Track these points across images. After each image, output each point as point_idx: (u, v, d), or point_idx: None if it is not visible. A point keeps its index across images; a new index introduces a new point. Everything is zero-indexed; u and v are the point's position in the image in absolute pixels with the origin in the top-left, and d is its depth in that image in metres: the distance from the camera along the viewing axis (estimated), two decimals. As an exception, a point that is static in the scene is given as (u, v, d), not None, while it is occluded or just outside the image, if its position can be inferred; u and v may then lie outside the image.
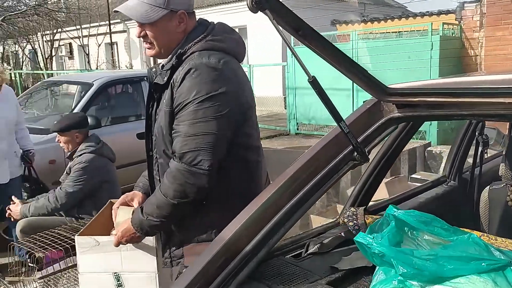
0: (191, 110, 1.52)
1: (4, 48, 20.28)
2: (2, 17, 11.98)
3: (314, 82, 1.18)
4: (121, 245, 1.75)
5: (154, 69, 1.73)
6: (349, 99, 8.80)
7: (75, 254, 2.66)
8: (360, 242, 1.11)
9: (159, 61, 1.79)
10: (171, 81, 1.59)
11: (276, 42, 13.83)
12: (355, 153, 1.32)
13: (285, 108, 11.35)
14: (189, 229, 1.69)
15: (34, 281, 2.73)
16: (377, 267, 1.24)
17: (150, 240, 1.89)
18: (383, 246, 1.06)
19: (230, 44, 1.68)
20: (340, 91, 8.72)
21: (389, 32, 9.77)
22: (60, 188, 3.40)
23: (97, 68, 17.50)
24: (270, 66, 11.69)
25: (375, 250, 1.08)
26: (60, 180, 3.59)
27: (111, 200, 2.12)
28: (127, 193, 1.89)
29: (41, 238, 2.83)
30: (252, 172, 1.73)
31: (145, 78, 5.68)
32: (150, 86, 1.73)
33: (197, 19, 1.71)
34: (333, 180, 1.34)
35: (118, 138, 4.71)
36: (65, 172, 3.57)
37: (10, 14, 12.53)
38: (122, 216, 1.80)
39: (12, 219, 3.44)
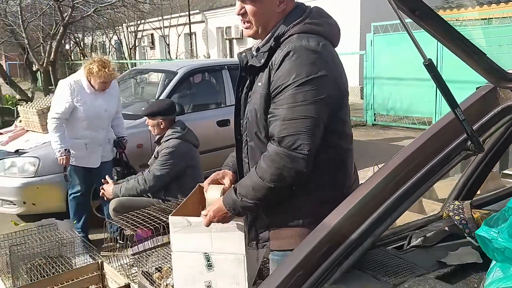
0: (290, 93, 1.49)
1: (92, 39, 21.65)
2: (93, 9, 12.72)
3: (430, 65, 1.12)
4: (211, 227, 1.77)
5: (244, 53, 1.72)
6: (432, 89, 8.43)
7: (163, 234, 2.79)
8: (482, 236, 1.04)
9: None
10: (269, 63, 1.58)
11: (354, 31, 13.49)
12: (469, 143, 1.23)
13: (362, 98, 11.05)
14: (277, 213, 1.67)
15: (127, 257, 2.89)
16: (492, 264, 1.15)
17: (239, 223, 1.91)
18: (509, 242, 0.98)
19: (327, 28, 1.63)
20: (422, 82, 8.36)
21: (478, 19, 9.15)
22: (149, 171, 3.58)
23: (176, 58, 18.13)
24: (347, 55, 11.41)
25: (498, 245, 1.00)
26: (148, 163, 3.78)
27: (200, 184, 2.17)
28: (217, 171, 1.90)
29: (131, 217, 2.98)
30: (344, 160, 1.68)
31: (225, 67, 5.77)
32: (240, 70, 1.71)
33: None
34: (444, 171, 1.27)
35: (199, 125, 4.82)
36: (153, 156, 3.75)
37: (100, 5, 13.28)
38: (212, 194, 1.83)
39: (104, 198, 3.67)
